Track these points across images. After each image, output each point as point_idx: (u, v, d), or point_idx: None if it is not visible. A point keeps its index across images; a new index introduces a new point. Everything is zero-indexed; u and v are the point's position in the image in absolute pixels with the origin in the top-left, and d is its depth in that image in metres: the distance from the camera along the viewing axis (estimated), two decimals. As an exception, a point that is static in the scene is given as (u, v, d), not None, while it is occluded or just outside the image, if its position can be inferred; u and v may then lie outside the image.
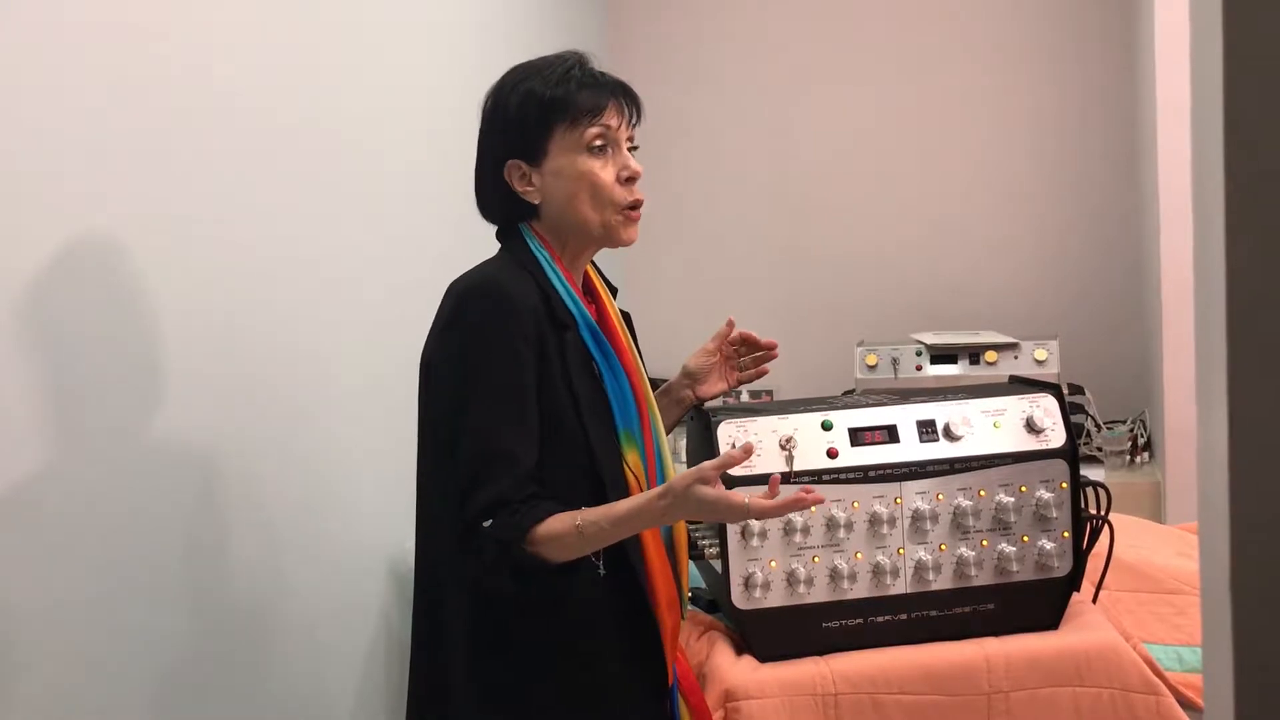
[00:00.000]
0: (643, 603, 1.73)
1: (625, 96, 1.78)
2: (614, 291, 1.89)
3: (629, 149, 1.78)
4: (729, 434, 1.99)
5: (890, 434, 2.04)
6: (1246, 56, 0.84)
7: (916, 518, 2.02)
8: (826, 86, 4.25)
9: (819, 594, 2.00)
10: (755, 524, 1.96)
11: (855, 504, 2.00)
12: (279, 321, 2.16)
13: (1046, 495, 2.04)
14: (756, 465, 1.96)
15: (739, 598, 1.98)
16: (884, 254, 4.23)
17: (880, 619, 2.02)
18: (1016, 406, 2.08)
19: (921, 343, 3.72)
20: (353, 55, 2.47)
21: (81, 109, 1.69)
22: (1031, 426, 2.06)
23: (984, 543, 2.04)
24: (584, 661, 1.72)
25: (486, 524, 1.59)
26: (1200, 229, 0.93)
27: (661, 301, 4.18)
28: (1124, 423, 3.90)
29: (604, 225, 1.75)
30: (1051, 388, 2.13)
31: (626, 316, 1.90)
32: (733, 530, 1.97)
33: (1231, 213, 0.85)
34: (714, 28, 4.31)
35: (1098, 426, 3.81)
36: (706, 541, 2.02)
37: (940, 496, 2.03)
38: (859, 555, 2.01)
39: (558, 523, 1.59)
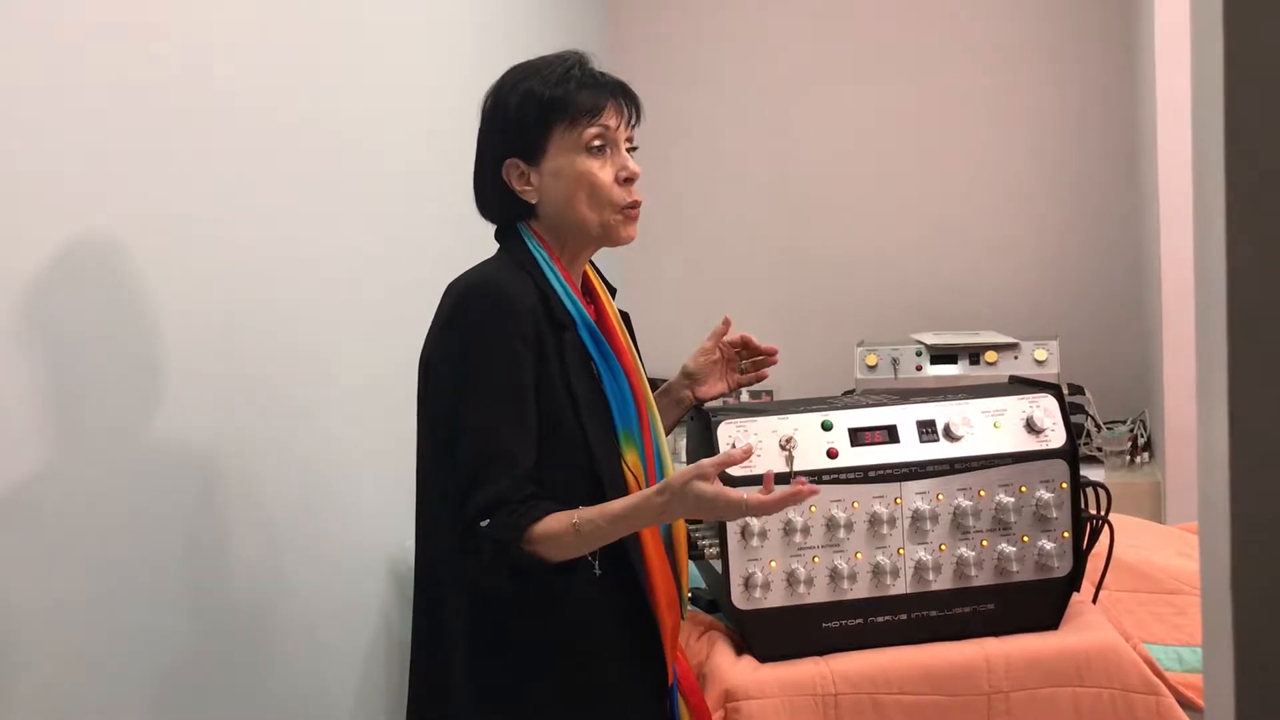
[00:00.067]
0: (642, 602, 1.73)
1: (625, 97, 1.78)
2: (613, 291, 1.89)
3: (628, 150, 1.78)
4: (729, 434, 1.99)
5: (890, 434, 2.04)
6: (1247, 58, 0.84)
7: (916, 518, 2.01)
8: (826, 86, 4.25)
9: (819, 594, 2.00)
10: (755, 524, 1.96)
11: (855, 504, 2.00)
12: (279, 321, 2.16)
13: (1046, 495, 2.04)
14: (756, 465, 1.96)
15: (739, 598, 1.98)
16: (884, 254, 4.23)
17: (880, 619, 2.02)
18: (1016, 407, 2.08)
19: (921, 343, 3.72)
20: (353, 55, 2.48)
21: (81, 109, 1.69)
22: (1031, 427, 2.06)
23: (984, 543, 2.04)
24: (583, 661, 1.72)
25: (484, 524, 1.59)
26: (1200, 229, 0.93)
27: (661, 301, 4.18)
28: (1124, 423, 3.90)
29: (602, 225, 1.75)
30: (1051, 388, 2.13)
31: (625, 316, 1.90)
32: (733, 530, 1.97)
33: (1232, 213, 0.85)
34: (714, 28, 4.31)
35: (1098, 426, 3.81)
36: (706, 541, 2.02)
37: (940, 497, 2.03)
38: (859, 555, 2.01)
39: (555, 522, 1.59)
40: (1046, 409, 2.08)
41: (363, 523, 2.41)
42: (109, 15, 1.75)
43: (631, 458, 1.74)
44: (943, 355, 3.68)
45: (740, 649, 2.03)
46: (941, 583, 2.03)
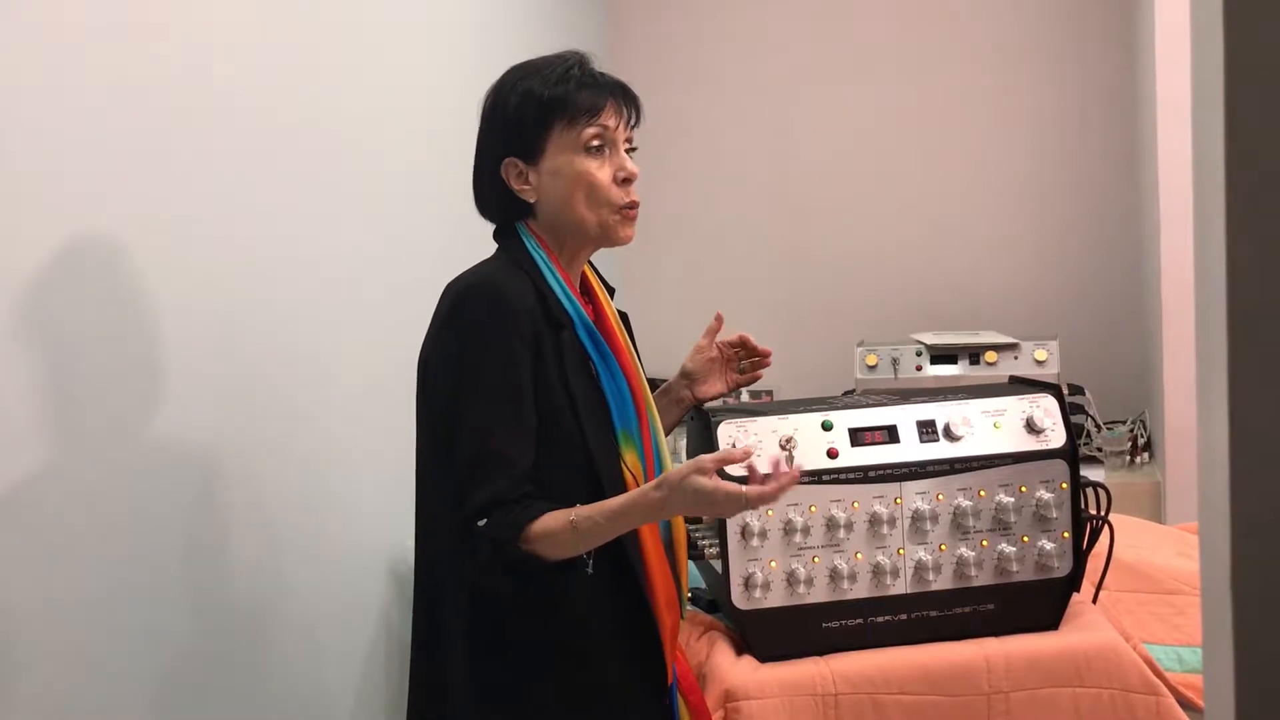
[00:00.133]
0: (641, 602, 1.73)
1: (624, 97, 1.78)
2: (611, 291, 1.89)
3: (627, 150, 1.78)
4: (729, 434, 1.99)
5: (890, 434, 2.04)
6: (1247, 58, 0.84)
7: (916, 518, 2.01)
8: (826, 86, 4.25)
9: (819, 594, 2.00)
10: (755, 524, 1.96)
11: (855, 504, 2.00)
12: (279, 321, 2.16)
13: (1046, 495, 2.04)
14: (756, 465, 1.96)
15: (739, 598, 1.98)
16: (884, 254, 4.23)
17: (880, 619, 2.02)
18: (1016, 407, 2.08)
19: (921, 343, 3.72)
20: (353, 55, 2.48)
21: (81, 109, 1.69)
22: (1031, 427, 2.06)
23: (984, 543, 2.04)
24: (582, 661, 1.72)
25: (481, 523, 1.59)
26: (1200, 229, 0.93)
27: (661, 301, 4.18)
28: (1124, 423, 3.90)
29: (600, 225, 1.75)
30: (1051, 388, 2.13)
31: (624, 316, 1.90)
32: (733, 530, 1.97)
33: (1232, 213, 0.85)
34: (714, 28, 4.31)
35: (1098, 427, 3.81)
36: (706, 541, 2.02)
37: (940, 497, 2.03)
38: (859, 555, 2.01)
39: (552, 520, 1.59)
40: (1046, 409, 2.08)
41: (363, 523, 2.41)
42: (109, 15, 1.75)
43: (630, 458, 1.73)
44: (943, 355, 3.68)
45: (740, 649, 2.03)
46: (941, 583, 2.03)
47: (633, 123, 1.79)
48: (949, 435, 2.05)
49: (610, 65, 1.88)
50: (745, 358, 2.04)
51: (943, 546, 2.03)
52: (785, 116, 4.28)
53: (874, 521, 2.00)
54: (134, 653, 1.75)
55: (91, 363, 1.70)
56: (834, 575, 2.00)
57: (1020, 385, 2.20)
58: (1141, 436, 3.83)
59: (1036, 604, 2.06)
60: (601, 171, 1.74)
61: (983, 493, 2.04)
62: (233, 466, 2.00)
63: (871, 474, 2.01)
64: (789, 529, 1.97)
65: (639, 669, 1.75)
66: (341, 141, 2.41)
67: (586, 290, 1.84)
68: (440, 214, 2.55)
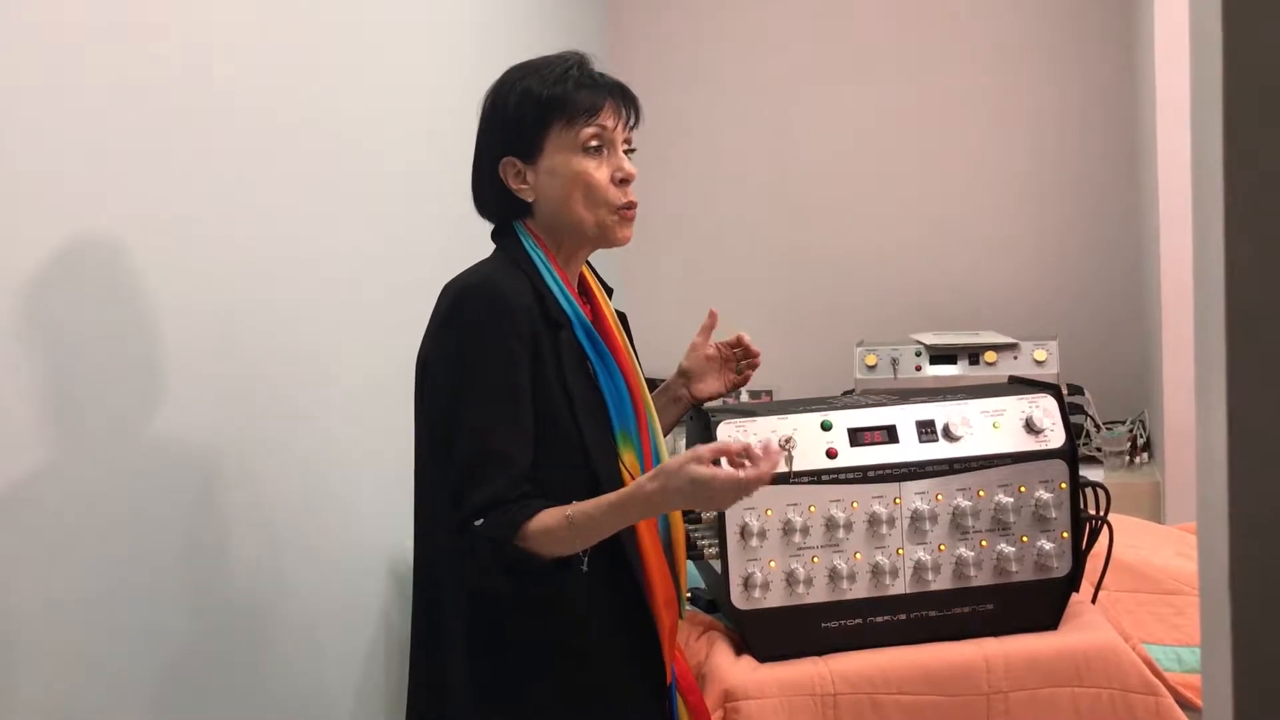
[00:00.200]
0: (640, 602, 1.73)
1: (623, 98, 1.78)
2: (609, 292, 1.89)
3: (626, 151, 1.78)
4: (728, 434, 1.99)
5: (889, 434, 2.04)
6: (1247, 58, 0.84)
7: (916, 518, 2.02)
8: (826, 86, 4.26)
9: (818, 594, 2.00)
10: (754, 524, 1.96)
11: (854, 504, 2.00)
12: (279, 321, 2.16)
13: (1046, 495, 2.04)
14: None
15: (738, 598, 1.98)
16: (884, 254, 4.23)
17: (879, 619, 2.02)
18: (1016, 407, 2.08)
19: (921, 343, 3.72)
20: (353, 55, 2.48)
21: (81, 109, 1.69)
22: (1031, 427, 2.06)
23: (983, 543, 2.04)
24: (581, 660, 1.72)
25: (478, 523, 1.59)
26: (1199, 230, 0.93)
27: (661, 301, 4.18)
28: (1123, 423, 3.90)
29: (597, 225, 1.75)
30: (1051, 388, 2.13)
31: (622, 317, 1.90)
32: (732, 530, 1.97)
33: (1231, 213, 0.85)
34: (714, 28, 4.31)
35: (1097, 427, 3.81)
36: (706, 541, 2.02)
37: (939, 497, 2.03)
38: (858, 555, 2.01)
39: (548, 517, 1.59)
40: (1046, 409, 2.08)
41: (363, 523, 2.41)
42: (109, 15, 1.75)
43: (629, 458, 1.73)
44: (942, 355, 3.68)
45: (739, 649, 2.03)
46: (941, 583, 2.03)
47: (631, 123, 1.79)
48: (948, 435, 2.05)
49: (610, 65, 1.88)
50: (742, 358, 2.04)
51: (942, 547, 2.03)
52: (785, 116, 4.28)
53: (873, 521, 2.00)
54: (134, 653, 1.75)
55: (91, 363, 1.70)
56: (833, 575, 2.00)
57: (1020, 385, 2.20)
58: (1141, 437, 3.83)
59: (1036, 604, 2.06)
60: (599, 171, 1.74)
61: (982, 493, 2.04)
62: (233, 466, 2.00)
63: (871, 474, 2.01)
64: (788, 529, 1.97)
65: (638, 669, 1.75)
66: (341, 141, 2.41)
67: (584, 290, 1.84)
68: (440, 214, 2.55)
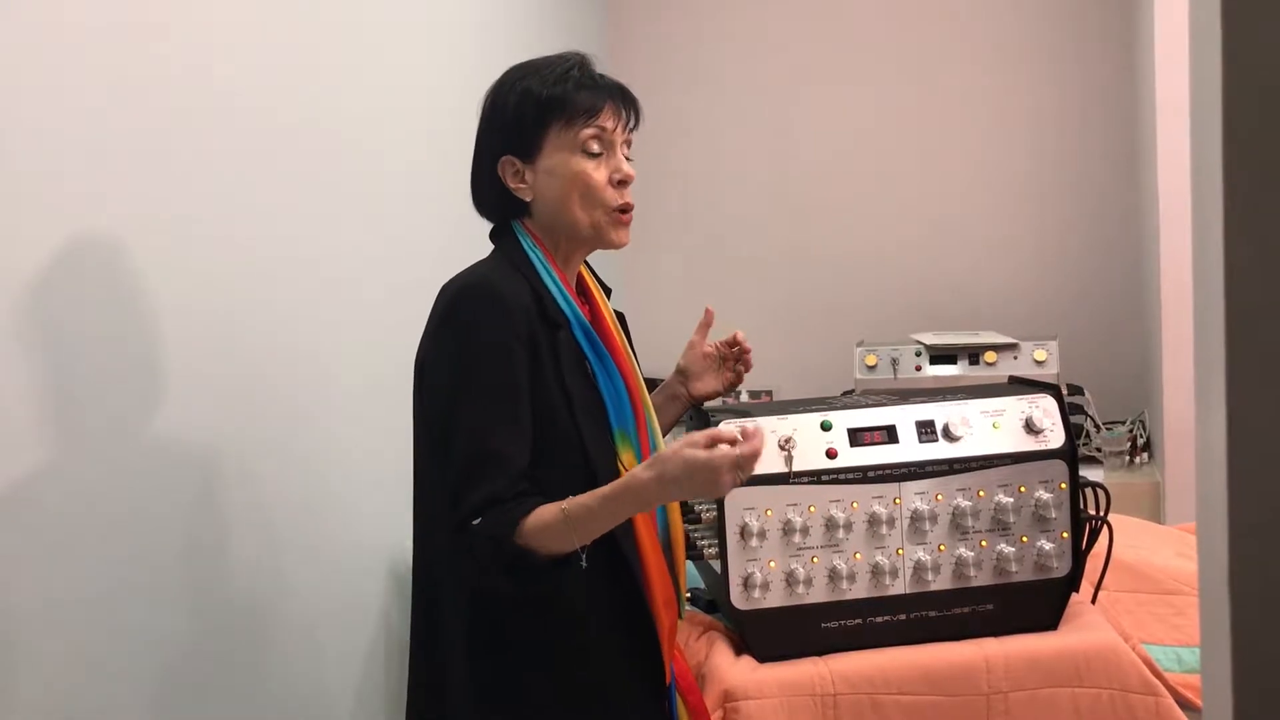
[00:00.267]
0: (639, 601, 1.73)
1: (623, 100, 1.78)
2: (608, 292, 1.89)
3: (625, 154, 1.78)
4: (728, 434, 1.98)
5: (889, 434, 2.04)
6: (1246, 58, 0.84)
7: (915, 518, 2.02)
8: (826, 86, 4.26)
9: (818, 594, 2.00)
10: (754, 524, 1.96)
11: (854, 504, 2.00)
12: (279, 321, 2.16)
13: (1046, 496, 2.04)
14: (756, 465, 1.96)
15: (738, 598, 1.98)
16: (884, 254, 4.23)
17: (879, 619, 2.02)
18: (1016, 407, 2.08)
19: (921, 343, 3.72)
20: (353, 55, 2.48)
21: (81, 109, 1.69)
22: (1031, 427, 2.06)
23: (983, 543, 2.04)
24: (580, 660, 1.72)
25: (476, 522, 1.59)
26: (1199, 230, 0.93)
27: (661, 301, 4.18)
28: (1123, 423, 3.90)
29: (593, 226, 1.75)
30: (1051, 388, 2.13)
31: (621, 317, 1.90)
32: (732, 530, 1.97)
33: (1231, 213, 0.85)
34: (714, 28, 4.31)
35: (1097, 427, 3.81)
36: (705, 542, 2.02)
37: (939, 497, 2.03)
38: (858, 556, 2.01)
39: (545, 512, 1.59)
40: (1046, 409, 2.08)
41: (363, 523, 2.41)
42: (109, 15, 1.75)
43: (628, 457, 1.73)
44: (942, 355, 3.68)
45: (739, 649, 2.03)
46: (940, 583, 2.03)
47: (631, 125, 1.79)
48: (948, 435, 2.05)
49: (610, 65, 1.88)
50: (736, 357, 2.04)
51: (942, 547, 2.03)
52: (785, 116, 4.28)
53: (873, 522, 2.00)
54: (134, 653, 1.75)
55: (91, 363, 1.70)
56: (833, 575, 2.00)
57: (1019, 385, 2.20)
58: (1141, 437, 3.83)
59: (1035, 604, 2.06)
60: (598, 173, 1.74)
61: (982, 493, 2.04)
62: (233, 466, 2.00)
63: (870, 474, 2.01)
64: (788, 529, 1.97)
65: (637, 668, 1.75)
66: (341, 141, 2.41)
67: (583, 290, 1.84)
68: (440, 214, 2.55)
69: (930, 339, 3.74)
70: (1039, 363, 3.59)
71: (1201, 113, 0.90)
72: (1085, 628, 2.05)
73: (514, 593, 1.63)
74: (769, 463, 1.97)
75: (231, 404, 2.01)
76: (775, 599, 1.99)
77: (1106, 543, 2.14)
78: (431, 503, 1.73)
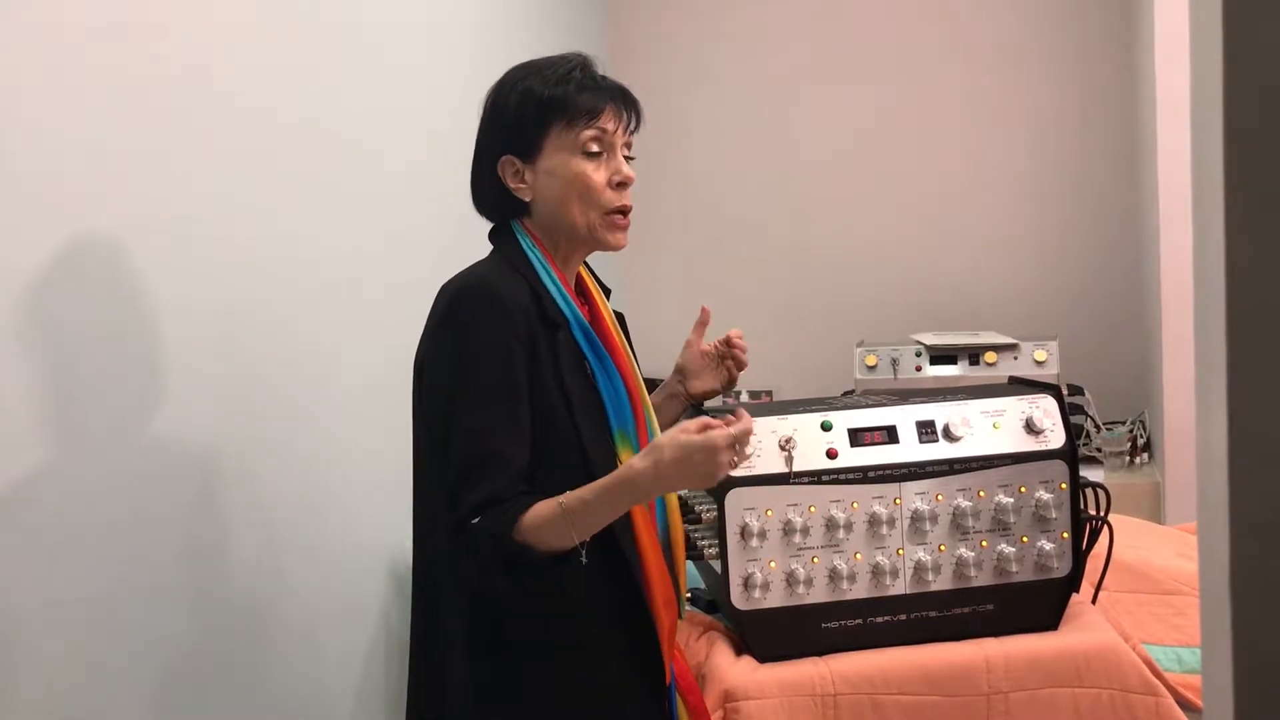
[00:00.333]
0: (639, 601, 1.73)
1: (624, 102, 1.78)
2: (607, 292, 1.89)
3: (625, 156, 1.78)
4: (729, 434, 1.99)
5: (890, 435, 2.04)
6: (1247, 58, 0.84)
7: (916, 518, 2.02)
8: (826, 86, 4.26)
9: (818, 594, 2.00)
10: (755, 524, 1.96)
11: (855, 504, 2.00)
12: (279, 321, 2.16)
13: (1046, 496, 2.04)
14: (756, 466, 1.96)
15: (738, 598, 1.98)
16: (884, 254, 4.23)
17: (879, 619, 2.02)
18: (1016, 407, 2.08)
19: (921, 343, 3.72)
20: (353, 55, 2.48)
21: (81, 109, 1.69)
22: (1031, 427, 2.06)
23: (983, 543, 2.04)
24: (580, 660, 1.72)
25: (475, 521, 1.59)
26: (1200, 230, 0.93)
27: (661, 301, 4.18)
28: (1123, 423, 3.90)
29: (589, 227, 1.75)
30: (1051, 388, 2.13)
31: (620, 317, 1.90)
32: (732, 530, 1.97)
33: (1231, 213, 0.85)
34: (714, 28, 4.31)
35: (1097, 427, 3.81)
36: (706, 542, 2.02)
37: (940, 497, 2.03)
38: (858, 556, 2.01)
39: (543, 507, 1.59)
40: (1046, 409, 2.08)
41: (363, 523, 2.41)
42: (109, 15, 1.75)
43: (627, 457, 1.73)
44: (942, 356, 3.68)
45: (739, 649, 2.03)
46: (941, 583, 2.03)
47: (632, 128, 1.79)
48: (948, 436, 2.05)
49: (610, 66, 1.88)
50: (727, 355, 2.04)
51: (942, 547, 2.03)
52: (785, 116, 4.28)
53: (873, 522, 2.00)
54: (134, 653, 1.75)
55: (91, 363, 1.70)
56: (833, 576, 2.00)
57: (1020, 386, 2.20)
58: (1141, 437, 3.83)
59: (1036, 604, 2.06)
60: (597, 174, 1.74)
61: (982, 493, 2.04)
62: (233, 466, 2.00)
63: (871, 474, 2.01)
64: (788, 529, 1.97)
65: (637, 668, 1.75)
66: (341, 141, 2.41)
67: (582, 290, 1.84)
68: (440, 214, 2.55)
69: (930, 339, 3.74)
70: (1039, 363, 3.59)
71: (1202, 112, 0.90)
72: (1085, 628, 2.05)
73: (514, 592, 1.63)
74: (769, 463, 1.98)
75: (231, 404, 2.00)
76: (775, 599, 1.99)
77: (1107, 543, 2.14)
78: (431, 503, 1.73)
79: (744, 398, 3.90)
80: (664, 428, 1.98)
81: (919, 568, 2.02)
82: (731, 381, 2.06)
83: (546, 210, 1.76)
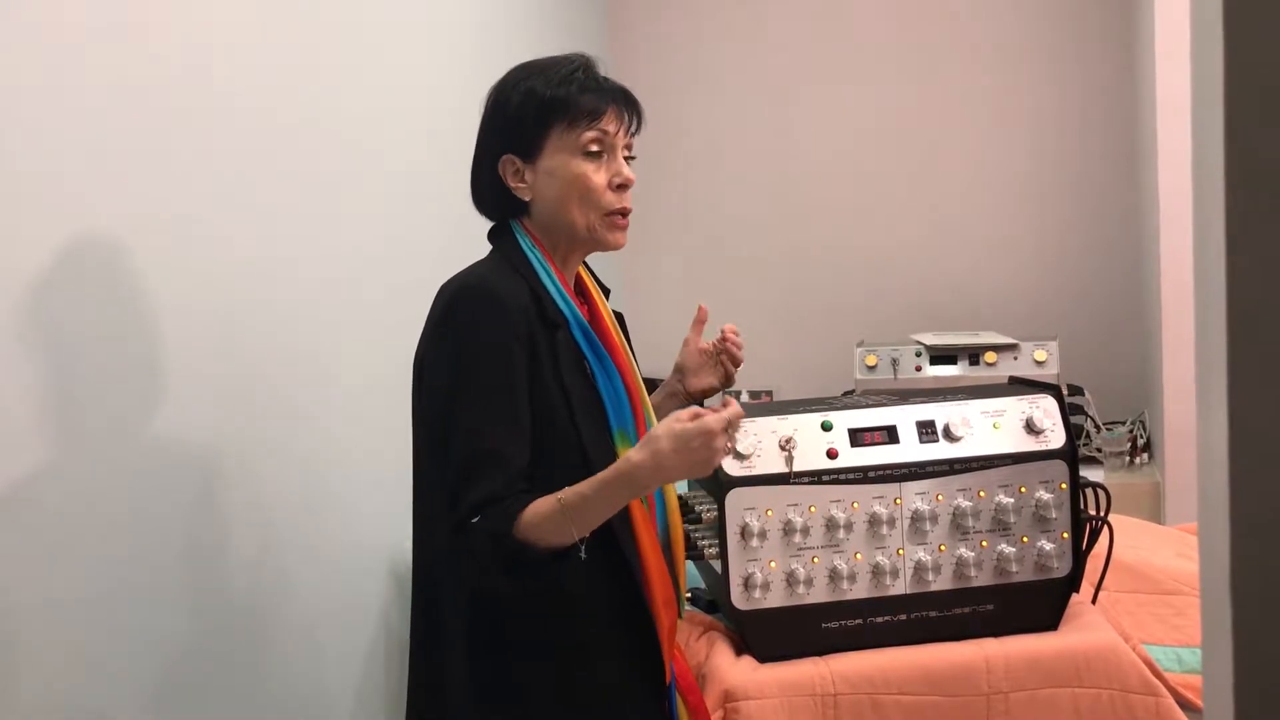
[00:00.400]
0: (638, 600, 1.73)
1: (626, 104, 1.78)
2: (606, 292, 1.89)
3: (626, 158, 1.78)
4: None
5: (890, 435, 2.04)
6: (1247, 58, 0.84)
7: (916, 518, 2.02)
8: (826, 86, 4.26)
9: (818, 594, 2.00)
10: (755, 524, 1.96)
11: (855, 504, 2.00)
12: (279, 321, 2.16)
13: (1046, 496, 2.04)
14: (757, 465, 1.96)
15: (738, 598, 1.98)
16: (884, 254, 4.23)
17: (880, 619, 2.02)
18: (1016, 407, 2.08)
19: (921, 343, 3.72)
20: (353, 55, 2.48)
21: (81, 109, 1.69)
22: (1031, 427, 2.06)
23: (983, 543, 2.04)
24: (580, 660, 1.72)
25: (474, 520, 1.59)
26: (1200, 230, 0.93)
27: (661, 301, 4.18)
28: (1123, 423, 3.90)
29: (588, 228, 1.76)
30: (1051, 388, 2.13)
31: (620, 317, 1.90)
32: (732, 530, 1.97)
33: (1232, 213, 0.85)
34: (714, 28, 4.31)
35: (1097, 427, 3.81)
36: (706, 542, 2.02)
37: (940, 497, 2.03)
38: (858, 556, 2.01)
39: (542, 503, 1.59)
40: (1046, 410, 2.08)
41: (363, 523, 2.41)
42: (109, 15, 1.75)
43: (627, 456, 1.73)
44: (942, 356, 3.68)
45: (740, 649, 2.03)
46: (941, 583, 2.03)
47: (633, 129, 1.79)
48: (949, 436, 2.05)
49: (610, 66, 1.88)
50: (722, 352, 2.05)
51: (942, 547, 2.03)
52: (785, 116, 4.28)
53: (873, 522, 2.00)
54: (134, 653, 1.75)
55: (91, 363, 1.70)
56: (833, 576, 2.00)
57: (1020, 386, 2.20)
58: (1141, 437, 3.83)
59: (1036, 604, 2.06)
60: (597, 175, 1.74)
61: (982, 493, 2.04)
62: (233, 466, 2.00)
63: (871, 474, 2.01)
64: (789, 529, 1.97)
65: (637, 668, 1.75)
66: (341, 141, 2.41)
67: (581, 290, 1.85)
68: (440, 214, 2.55)
69: (930, 339, 3.74)
70: (1039, 363, 3.59)
71: (1202, 112, 0.90)
72: (1085, 628, 2.05)
73: (514, 591, 1.63)
74: (769, 462, 1.98)
75: (231, 404, 2.00)
76: (776, 599, 1.99)
77: (1107, 543, 2.14)
78: (431, 503, 1.73)
79: (744, 397, 3.90)
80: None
81: (919, 568, 2.02)
82: (729, 378, 2.06)
83: (546, 210, 1.76)
